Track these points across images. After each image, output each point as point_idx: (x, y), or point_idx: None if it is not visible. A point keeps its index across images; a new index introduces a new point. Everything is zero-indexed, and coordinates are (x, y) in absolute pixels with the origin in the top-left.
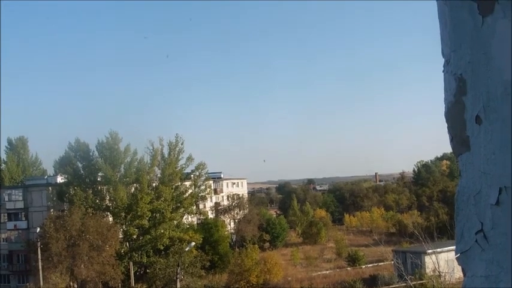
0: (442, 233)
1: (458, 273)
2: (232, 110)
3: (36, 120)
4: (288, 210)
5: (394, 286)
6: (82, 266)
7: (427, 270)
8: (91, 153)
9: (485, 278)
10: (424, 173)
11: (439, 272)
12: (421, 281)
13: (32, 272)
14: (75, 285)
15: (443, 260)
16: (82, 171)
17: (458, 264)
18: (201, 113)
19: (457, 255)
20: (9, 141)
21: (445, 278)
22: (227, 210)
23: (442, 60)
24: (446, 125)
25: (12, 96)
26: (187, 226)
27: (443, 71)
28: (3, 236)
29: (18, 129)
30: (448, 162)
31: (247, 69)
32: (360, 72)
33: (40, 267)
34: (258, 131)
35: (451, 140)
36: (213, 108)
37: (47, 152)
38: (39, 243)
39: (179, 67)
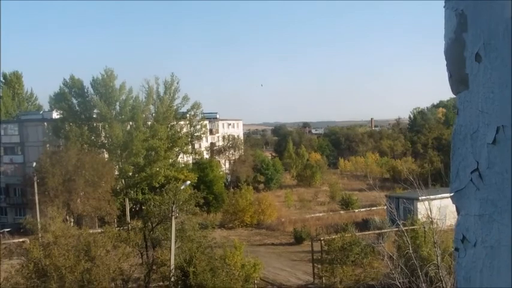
0: (435, 180)
1: (449, 220)
2: (230, 54)
3: (31, 56)
4: (283, 152)
5: (385, 230)
6: (78, 200)
7: (419, 216)
8: (86, 90)
9: (479, 216)
10: (419, 120)
11: (431, 218)
12: (413, 227)
13: (28, 206)
14: (72, 219)
15: (435, 206)
16: (77, 108)
17: (453, 203)
18: (200, 57)
19: (451, 194)
20: (4, 76)
21: (436, 224)
22: (222, 150)
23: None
24: (444, 71)
25: (8, 31)
26: (182, 165)
27: (444, 7)
28: None
29: (12, 64)
30: (444, 110)
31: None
32: (358, 11)
33: (37, 200)
34: (255, 74)
35: (450, 78)
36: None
37: (42, 88)
38: (35, 178)
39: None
